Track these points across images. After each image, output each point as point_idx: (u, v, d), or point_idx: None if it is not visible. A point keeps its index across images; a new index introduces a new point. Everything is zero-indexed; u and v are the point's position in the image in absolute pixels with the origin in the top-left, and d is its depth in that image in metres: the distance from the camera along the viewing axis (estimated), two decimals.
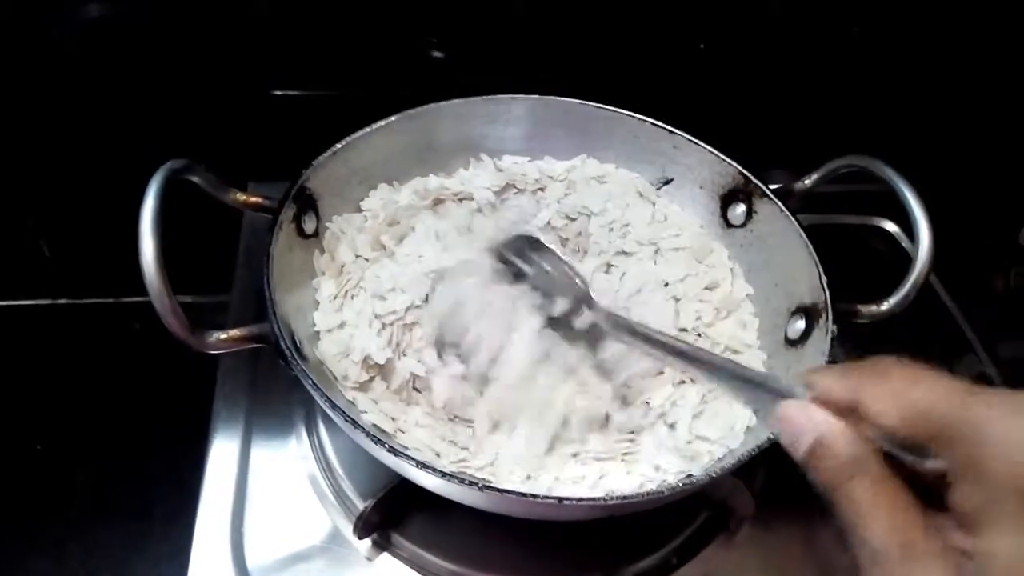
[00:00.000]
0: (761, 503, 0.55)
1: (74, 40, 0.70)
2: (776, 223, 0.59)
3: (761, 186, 0.60)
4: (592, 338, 0.53)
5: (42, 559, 0.54)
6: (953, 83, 0.81)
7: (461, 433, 0.51)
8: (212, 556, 0.51)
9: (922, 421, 0.29)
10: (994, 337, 0.71)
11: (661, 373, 0.54)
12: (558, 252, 0.57)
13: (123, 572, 0.54)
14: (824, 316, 0.52)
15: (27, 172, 0.75)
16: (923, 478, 0.29)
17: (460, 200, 0.65)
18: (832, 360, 0.49)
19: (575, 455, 0.50)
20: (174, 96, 0.73)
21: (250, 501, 0.54)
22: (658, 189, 0.67)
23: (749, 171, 0.61)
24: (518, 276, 0.55)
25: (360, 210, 0.62)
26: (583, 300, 0.53)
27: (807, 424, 0.31)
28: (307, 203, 0.57)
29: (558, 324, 0.53)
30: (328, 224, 0.59)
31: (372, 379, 0.53)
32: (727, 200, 0.63)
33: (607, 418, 0.52)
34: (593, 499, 0.43)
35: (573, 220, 0.64)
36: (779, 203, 0.59)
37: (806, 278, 0.55)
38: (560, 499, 0.41)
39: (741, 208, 0.62)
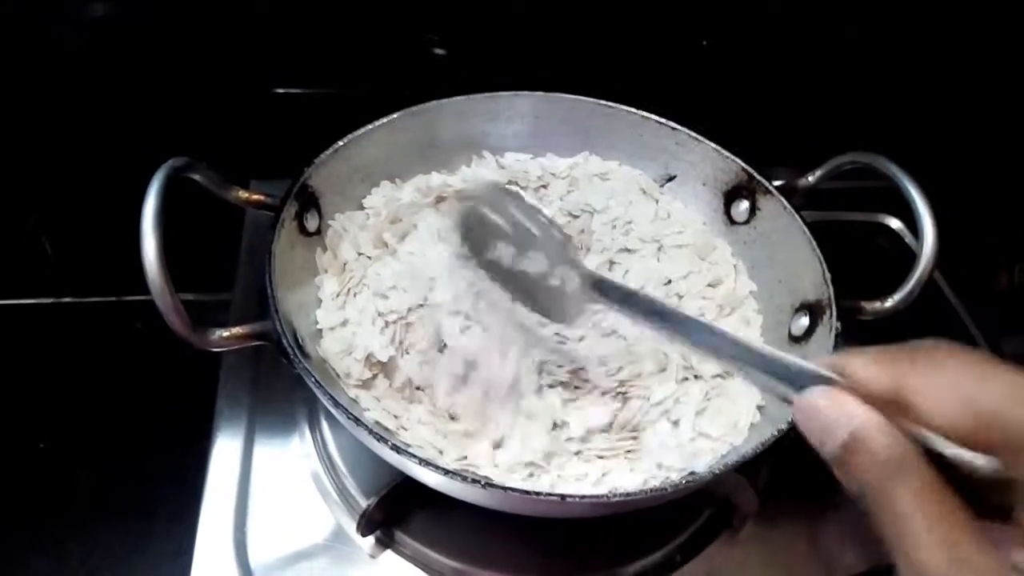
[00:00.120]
0: (765, 500, 0.55)
1: (76, 39, 0.70)
2: (779, 220, 0.59)
3: (764, 183, 0.60)
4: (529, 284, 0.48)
5: (44, 558, 0.54)
6: (958, 79, 0.81)
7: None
8: (215, 554, 0.50)
9: (986, 424, 0.25)
10: (998, 334, 0.71)
11: (663, 370, 0.54)
12: (537, 205, 0.53)
13: (125, 572, 0.54)
14: (828, 313, 0.52)
15: (29, 170, 0.75)
16: (976, 483, 0.26)
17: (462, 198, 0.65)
18: None
19: (578, 452, 0.50)
20: (176, 94, 0.73)
21: (253, 499, 0.54)
22: (661, 186, 0.67)
23: (752, 168, 0.61)
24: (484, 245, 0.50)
25: (362, 208, 0.62)
26: (563, 258, 0.48)
27: (840, 416, 0.27)
28: (309, 201, 0.57)
29: (493, 268, 0.49)
30: (330, 222, 0.59)
31: (375, 377, 0.53)
32: (730, 197, 0.63)
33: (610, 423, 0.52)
34: (596, 496, 0.43)
35: (576, 217, 0.64)
36: (783, 200, 0.59)
37: (810, 275, 0.55)
38: (563, 496, 0.41)
39: (744, 205, 0.62)
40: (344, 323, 0.55)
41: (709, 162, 0.64)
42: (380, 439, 0.42)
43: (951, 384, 0.26)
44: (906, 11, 0.77)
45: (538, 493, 0.43)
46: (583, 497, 0.42)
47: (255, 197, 0.53)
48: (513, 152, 0.68)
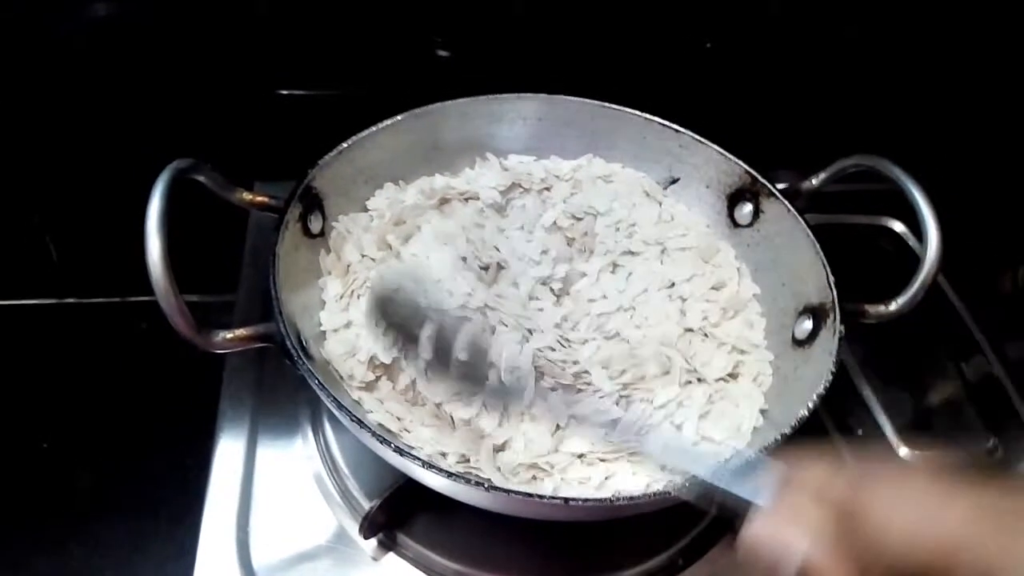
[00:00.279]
0: None
1: (80, 39, 0.70)
2: (783, 223, 0.59)
3: (768, 185, 0.60)
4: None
5: (46, 558, 0.54)
6: (962, 82, 0.81)
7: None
8: (218, 555, 0.50)
9: (948, 550, 0.24)
10: (1002, 337, 0.71)
11: (667, 373, 0.54)
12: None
13: (127, 572, 0.54)
14: (832, 316, 0.52)
15: (33, 171, 0.75)
16: None
17: (466, 200, 0.65)
18: (839, 361, 0.49)
19: (581, 456, 0.50)
20: (180, 95, 0.74)
21: (256, 501, 0.54)
22: (665, 188, 0.67)
23: (756, 170, 0.61)
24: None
25: (366, 209, 0.62)
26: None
27: (784, 552, 0.25)
28: (313, 202, 0.57)
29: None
30: (334, 223, 0.59)
31: (378, 379, 0.53)
32: (734, 199, 0.63)
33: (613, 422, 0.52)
34: (599, 500, 0.43)
35: (579, 220, 0.64)
36: (786, 202, 0.59)
37: (813, 278, 0.55)
38: (566, 500, 0.41)
39: (748, 207, 0.62)
40: (348, 325, 0.55)
41: (713, 165, 0.64)
42: (383, 441, 0.42)
43: (914, 503, 0.25)
44: (910, 13, 0.77)
45: (541, 496, 0.43)
46: (586, 500, 0.42)
47: (259, 199, 0.53)
48: (517, 154, 0.68)
